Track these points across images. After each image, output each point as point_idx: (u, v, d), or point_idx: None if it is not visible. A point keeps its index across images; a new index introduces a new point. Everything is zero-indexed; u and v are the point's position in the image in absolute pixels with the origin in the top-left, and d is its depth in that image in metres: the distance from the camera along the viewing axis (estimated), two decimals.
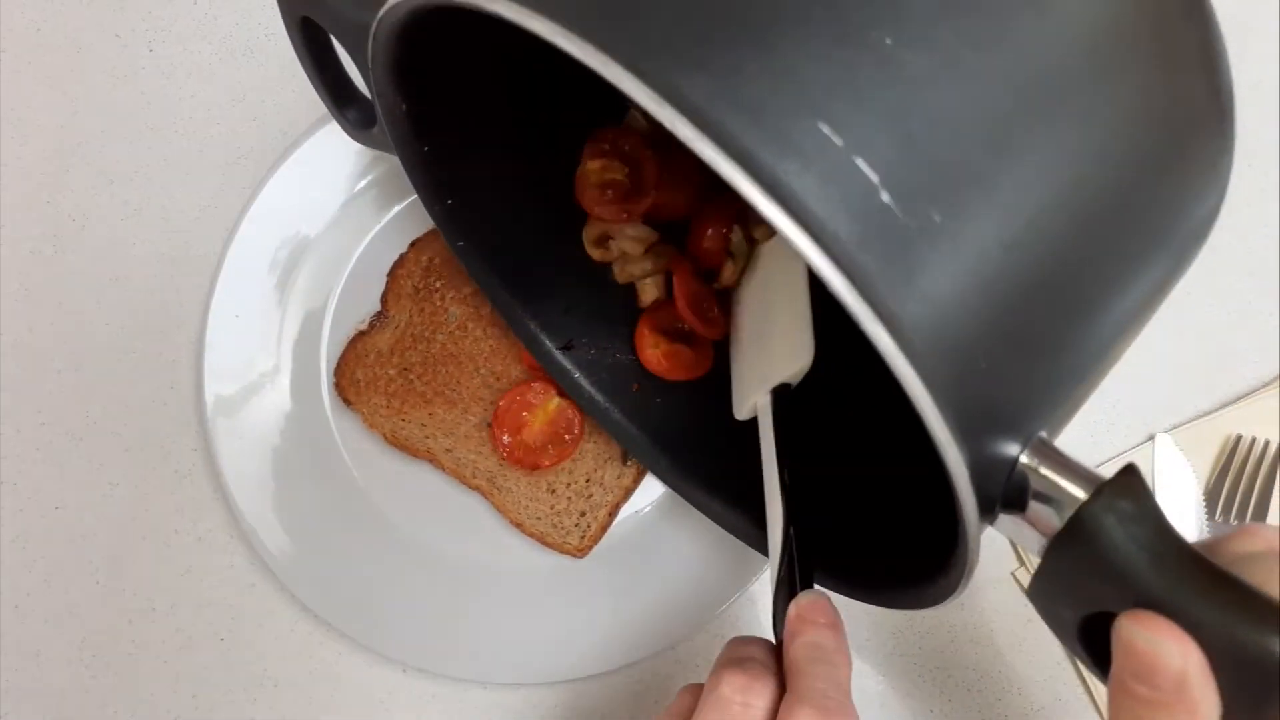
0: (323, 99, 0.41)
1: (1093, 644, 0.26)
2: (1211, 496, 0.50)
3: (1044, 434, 0.26)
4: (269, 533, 0.46)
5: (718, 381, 0.45)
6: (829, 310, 0.24)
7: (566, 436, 0.48)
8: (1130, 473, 0.25)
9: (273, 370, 0.49)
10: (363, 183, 0.51)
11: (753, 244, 0.46)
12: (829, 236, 0.22)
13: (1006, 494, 0.26)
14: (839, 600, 0.33)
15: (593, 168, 0.44)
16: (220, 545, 0.48)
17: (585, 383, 0.47)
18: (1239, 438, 0.51)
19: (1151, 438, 0.52)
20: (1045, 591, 0.27)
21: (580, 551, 0.48)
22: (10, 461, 0.49)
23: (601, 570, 0.48)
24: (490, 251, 0.44)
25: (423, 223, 0.51)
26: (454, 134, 0.38)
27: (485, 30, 0.26)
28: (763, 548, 0.41)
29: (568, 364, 0.47)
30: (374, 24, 0.30)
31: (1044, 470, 0.26)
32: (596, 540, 0.48)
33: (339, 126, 0.42)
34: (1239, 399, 0.52)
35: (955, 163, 0.23)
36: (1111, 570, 0.24)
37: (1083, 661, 0.27)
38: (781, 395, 0.38)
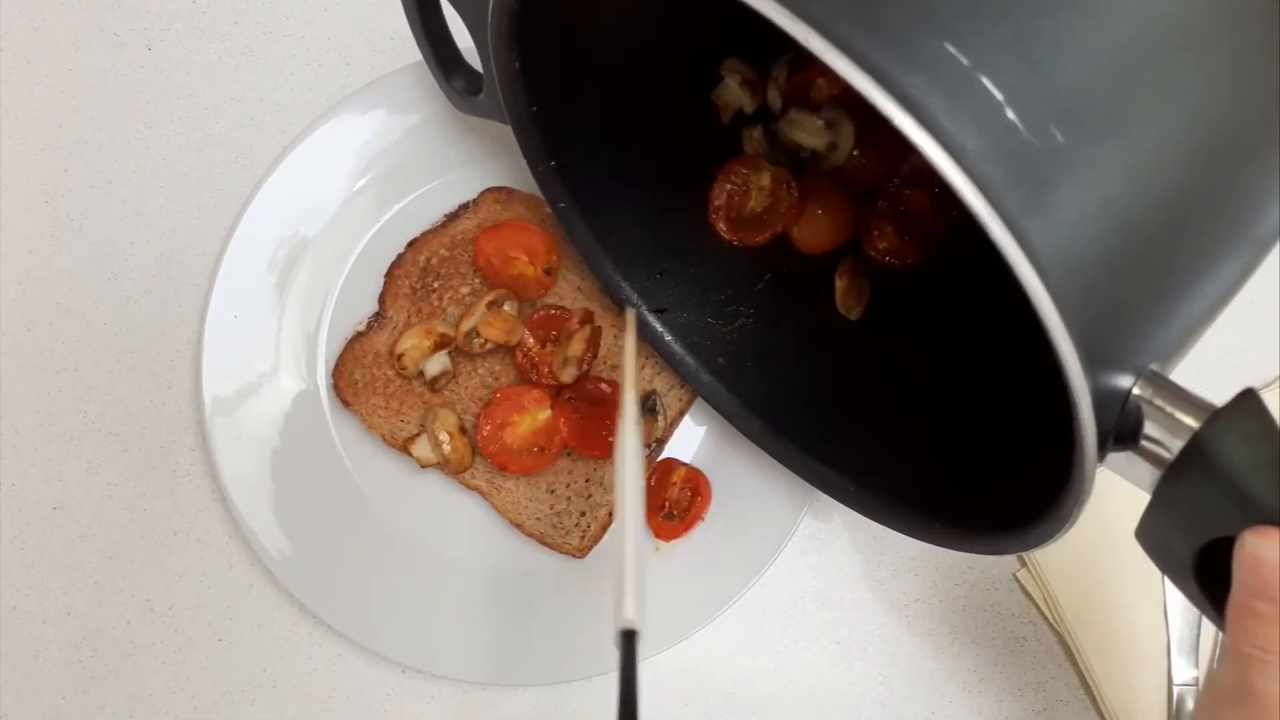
0: (430, 67, 0.42)
1: (1207, 579, 0.27)
2: None
3: (1155, 367, 0.27)
4: (268, 534, 0.46)
5: (822, 341, 0.47)
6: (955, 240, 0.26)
7: (539, 449, 0.48)
8: (1248, 396, 0.25)
9: (271, 370, 0.49)
10: (362, 182, 0.51)
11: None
12: (956, 147, 0.22)
13: (1119, 427, 0.26)
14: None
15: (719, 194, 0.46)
16: (219, 546, 0.48)
17: (677, 346, 0.47)
18: None
19: None
20: (1157, 527, 0.27)
21: (581, 552, 0.48)
22: (9, 462, 0.49)
23: (602, 571, 0.48)
24: (590, 213, 0.45)
25: (420, 223, 0.50)
26: (563, 93, 0.39)
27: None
28: (860, 505, 0.42)
29: (660, 327, 0.47)
30: None
31: (1158, 401, 0.26)
32: (597, 540, 0.48)
33: (445, 95, 0.43)
34: None
35: (1079, 87, 0.24)
36: (1233, 490, 0.24)
37: (1195, 601, 0.27)
38: (630, 637, 0.36)
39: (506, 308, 0.48)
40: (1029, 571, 0.50)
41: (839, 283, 0.48)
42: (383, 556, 0.47)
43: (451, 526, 0.48)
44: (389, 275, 0.50)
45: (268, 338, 0.49)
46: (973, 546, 0.36)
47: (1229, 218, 0.27)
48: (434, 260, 0.50)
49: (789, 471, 0.49)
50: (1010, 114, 0.23)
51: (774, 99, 0.47)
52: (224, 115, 0.53)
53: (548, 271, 0.49)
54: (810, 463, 0.44)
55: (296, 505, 0.47)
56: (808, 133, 0.45)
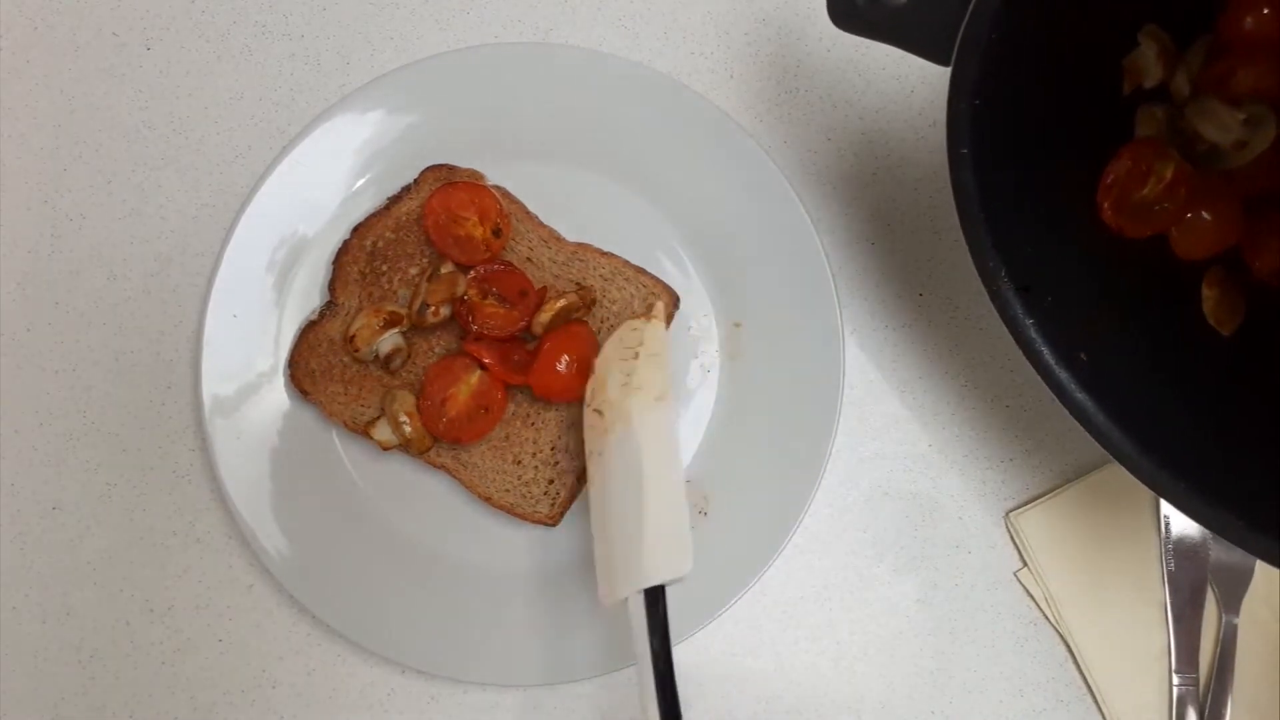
0: None
1: None
2: None
3: None
4: (267, 534, 0.46)
5: (1189, 354, 0.44)
6: None
7: (484, 410, 0.48)
8: None
9: (271, 370, 0.48)
10: (361, 181, 0.51)
11: None
12: None
13: None
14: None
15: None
16: (218, 546, 0.48)
17: (1035, 332, 0.42)
18: None
19: None
20: None
21: (552, 519, 0.48)
22: (8, 462, 0.49)
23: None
24: (982, 165, 0.41)
25: (364, 208, 0.50)
26: (1019, 34, 0.37)
27: None
28: (1230, 534, 0.39)
29: (1020, 307, 0.42)
30: None
31: None
32: (567, 507, 0.48)
33: (828, 7, 0.41)
34: None
35: None
36: None
37: None
38: (658, 594, 0.37)
39: (445, 269, 0.48)
40: (1029, 571, 0.50)
41: (1207, 293, 0.45)
42: (383, 557, 0.47)
43: (453, 527, 0.48)
44: (337, 262, 0.49)
45: (268, 337, 0.49)
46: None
47: None
48: (380, 243, 0.50)
49: (788, 473, 0.49)
50: None
51: (1180, 84, 0.44)
52: (224, 115, 0.53)
53: (496, 233, 0.49)
54: (1182, 488, 0.40)
55: (296, 505, 0.47)
56: (1219, 125, 0.42)
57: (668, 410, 0.42)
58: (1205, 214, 0.44)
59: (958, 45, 0.38)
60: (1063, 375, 0.42)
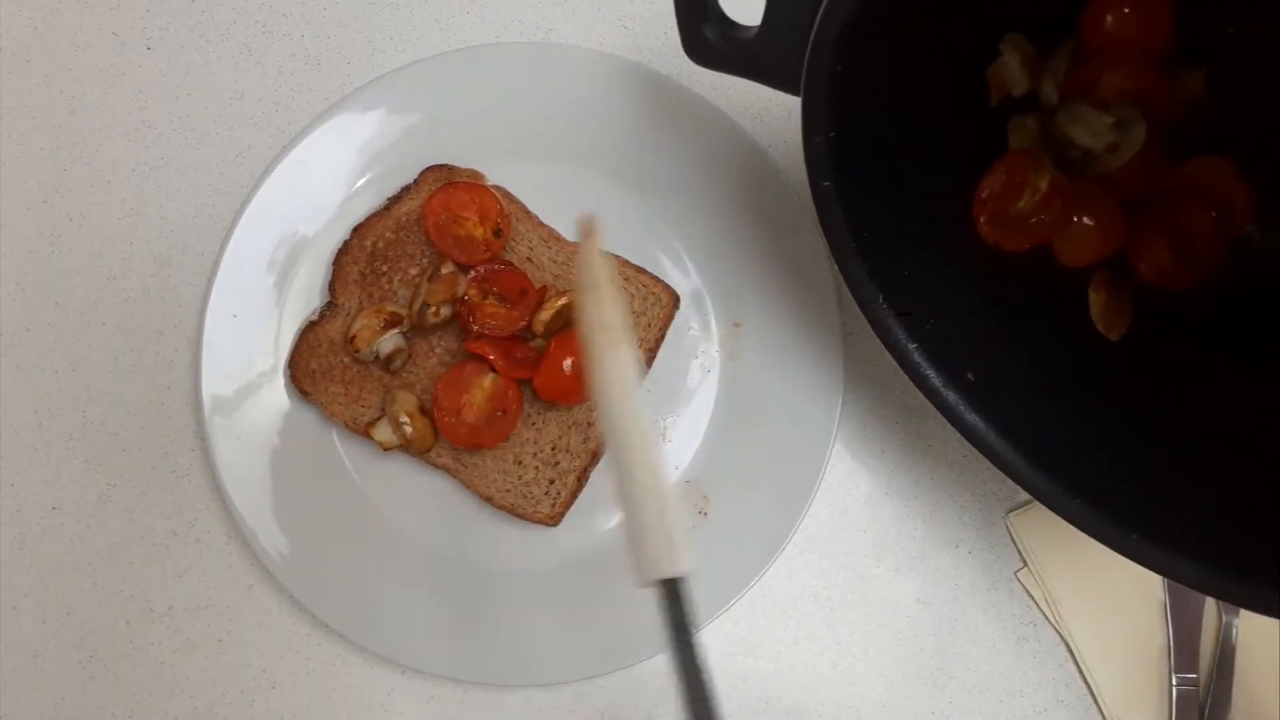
0: (682, 7, 0.39)
1: None
2: None
3: None
4: (267, 534, 0.46)
5: (1079, 363, 0.43)
6: None
7: (503, 412, 0.48)
8: None
9: (271, 370, 0.48)
10: (361, 181, 0.51)
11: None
12: None
13: None
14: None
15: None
16: (218, 546, 0.48)
17: (920, 356, 0.42)
18: None
19: None
20: None
21: (553, 519, 0.48)
22: (8, 462, 0.49)
23: (603, 571, 0.48)
24: (848, 194, 0.40)
25: (364, 208, 0.50)
26: (869, 60, 0.36)
27: None
28: (1139, 556, 0.38)
29: (903, 332, 0.42)
30: None
31: None
32: (567, 507, 0.48)
33: (685, 40, 0.39)
34: None
35: None
36: None
37: None
38: (673, 585, 0.33)
39: (445, 269, 0.48)
40: (1029, 571, 0.50)
41: (1094, 297, 0.44)
42: (383, 557, 0.47)
43: (452, 527, 0.48)
44: (336, 263, 0.49)
45: (267, 337, 0.49)
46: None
47: None
48: (380, 244, 0.50)
49: (788, 473, 0.49)
50: None
51: (1048, 92, 0.43)
52: (223, 115, 0.53)
53: (496, 233, 0.49)
54: (1076, 504, 0.39)
55: (296, 505, 0.47)
56: (1090, 130, 0.41)
57: (629, 359, 0.34)
58: (1086, 220, 0.43)
59: (803, 79, 0.36)
60: (951, 397, 0.41)
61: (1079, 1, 0.41)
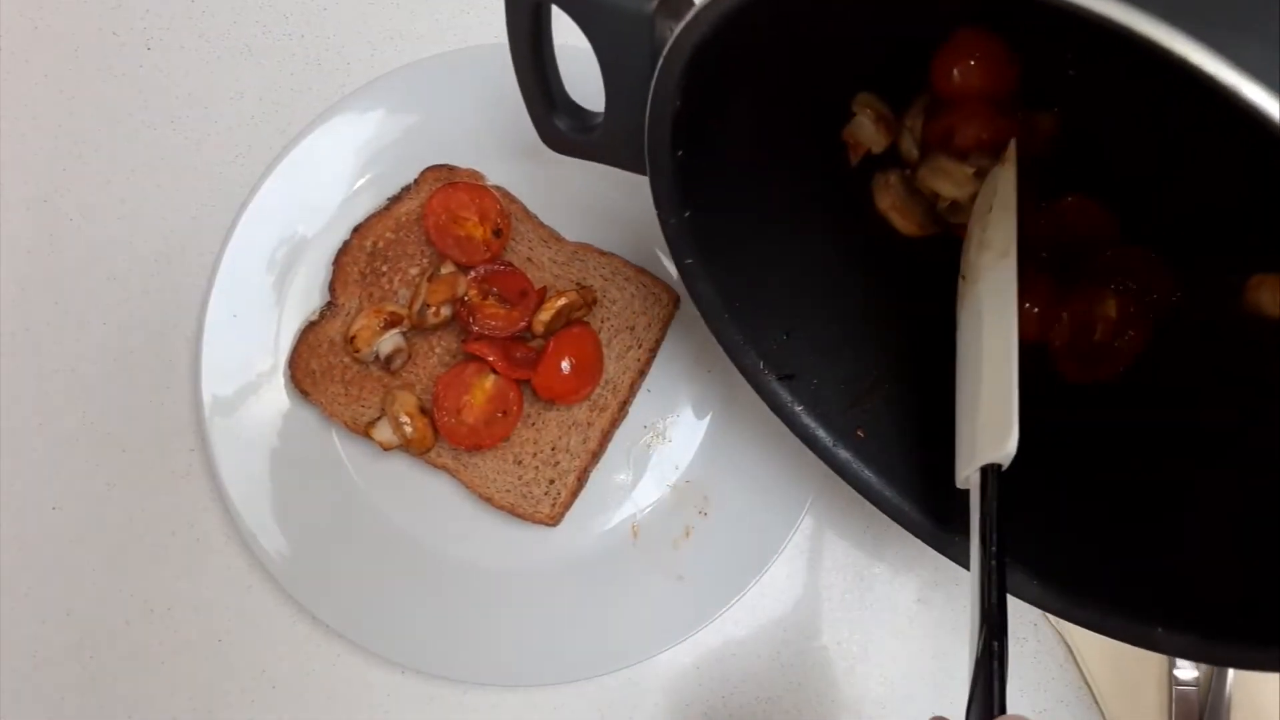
0: (532, 100, 0.39)
1: None
2: None
3: None
4: (267, 534, 0.46)
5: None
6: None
7: (503, 413, 0.48)
8: None
9: (270, 370, 0.48)
10: (361, 181, 0.51)
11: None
12: None
13: None
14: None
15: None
16: (218, 546, 0.48)
17: (807, 417, 0.42)
18: None
19: None
20: None
21: (552, 520, 0.48)
22: (8, 462, 0.49)
23: (603, 571, 0.48)
24: (716, 270, 0.40)
25: (364, 208, 0.50)
26: (711, 139, 0.36)
27: (783, 23, 0.23)
28: (1051, 604, 0.38)
29: (787, 395, 0.42)
30: (691, 13, 0.28)
31: None
32: (567, 507, 0.48)
33: (539, 130, 0.39)
34: None
35: None
36: None
37: None
38: (994, 473, 0.34)
39: (445, 269, 0.48)
40: None
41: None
42: (383, 557, 0.47)
43: (453, 527, 0.48)
44: (337, 263, 0.49)
45: (267, 337, 0.49)
46: (1201, 655, 0.32)
47: None
48: (380, 244, 0.50)
49: (788, 473, 0.49)
50: None
51: (908, 147, 0.43)
52: (223, 115, 0.53)
53: (496, 233, 0.49)
54: (959, 545, 0.39)
55: (296, 505, 0.47)
56: (953, 182, 0.41)
57: (1010, 267, 0.37)
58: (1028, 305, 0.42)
59: (647, 166, 0.36)
60: (843, 455, 0.41)
61: (925, 56, 0.41)
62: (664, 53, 0.30)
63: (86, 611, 0.48)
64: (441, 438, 0.48)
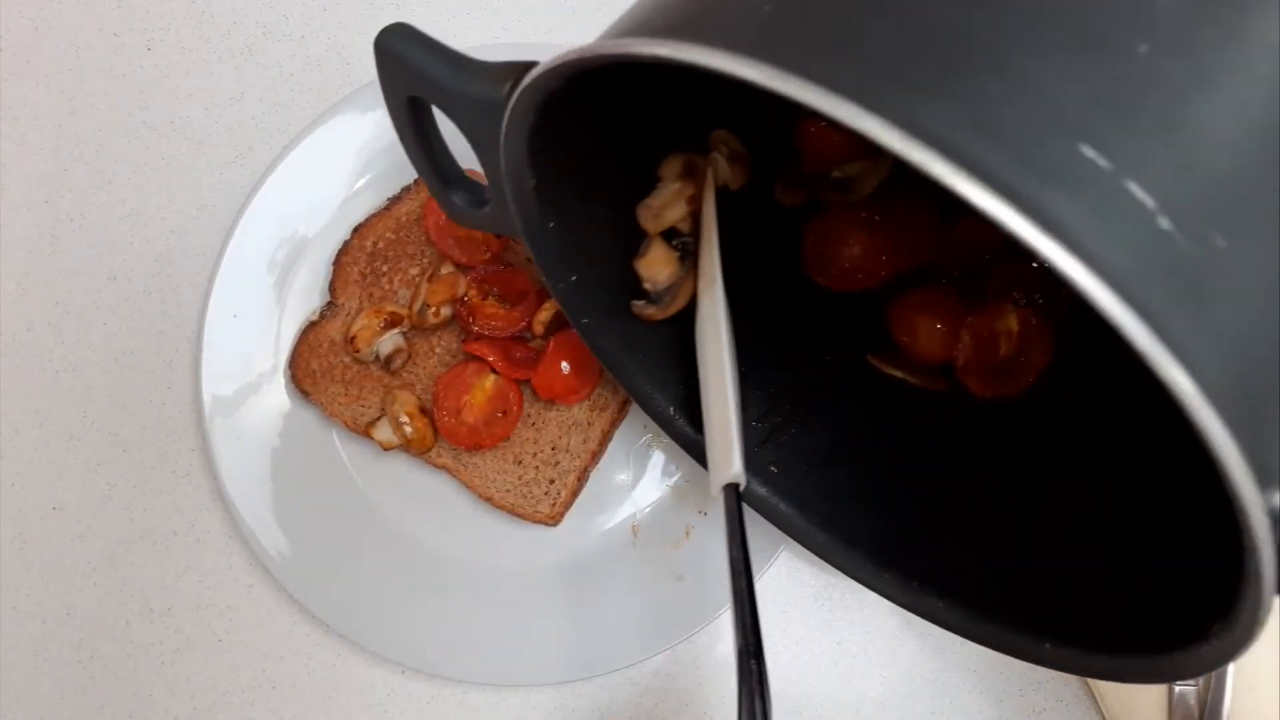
0: (428, 181, 0.40)
1: None
2: None
3: None
4: (267, 534, 0.46)
5: (877, 445, 0.43)
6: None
7: (503, 413, 0.48)
8: None
9: (271, 370, 0.48)
10: (361, 181, 0.51)
11: None
12: (1110, 271, 0.19)
13: None
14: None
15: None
16: (218, 546, 0.48)
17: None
18: None
19: None
20: None
21: (553, 519, 0.48)
22: (8, 462, 0.49)
23: (602, 571, 0.48)
24: (614, 326, 0.41)
25: (364, 208, 0.50)
26: (578, 206, 0.37)
27: (620, 94, 0.24)
28: (957, 625, 0.38)
29: (699, 436, 0.43)
30: (513, 96, 0.28)
31: None
32: (567, 507, 0.48)
33: (442, 208, 0.40)
34: None
35: (1234, 179, 0.21)
36: None
37: None
38: (733, 492, 0.36)
39: (445, 269, 0.48)
40: None
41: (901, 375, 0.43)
42: (383, 557, 0.47)
43: (453, 527, 0.48)
44: (337, 263, 0.50)
45: (267, 337, 0.49)
46: (1097, 672, 0.31)
47: None
48: (380, 244, 0.50)
49: None
50: (1164, 223, 0.20)
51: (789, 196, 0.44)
52: (224, 115, 0.53)
53: (496, 234, 0.49)
54: (890, 578, 0.40)
55: (296, 505, 0.47)
56: (676, 209, 0.41)
57: (715, 297, 0.39)
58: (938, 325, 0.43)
59: (523, 239, 0.37)
60: (762, 491, 0.42)
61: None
62: (501, 137, 0.31)
63: (86, 611, 0.48)
64: (441, 438, 0.48)
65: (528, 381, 0.48)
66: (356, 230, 0.50)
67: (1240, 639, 0.25)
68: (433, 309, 0.47)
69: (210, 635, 0.48)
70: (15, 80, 0.53)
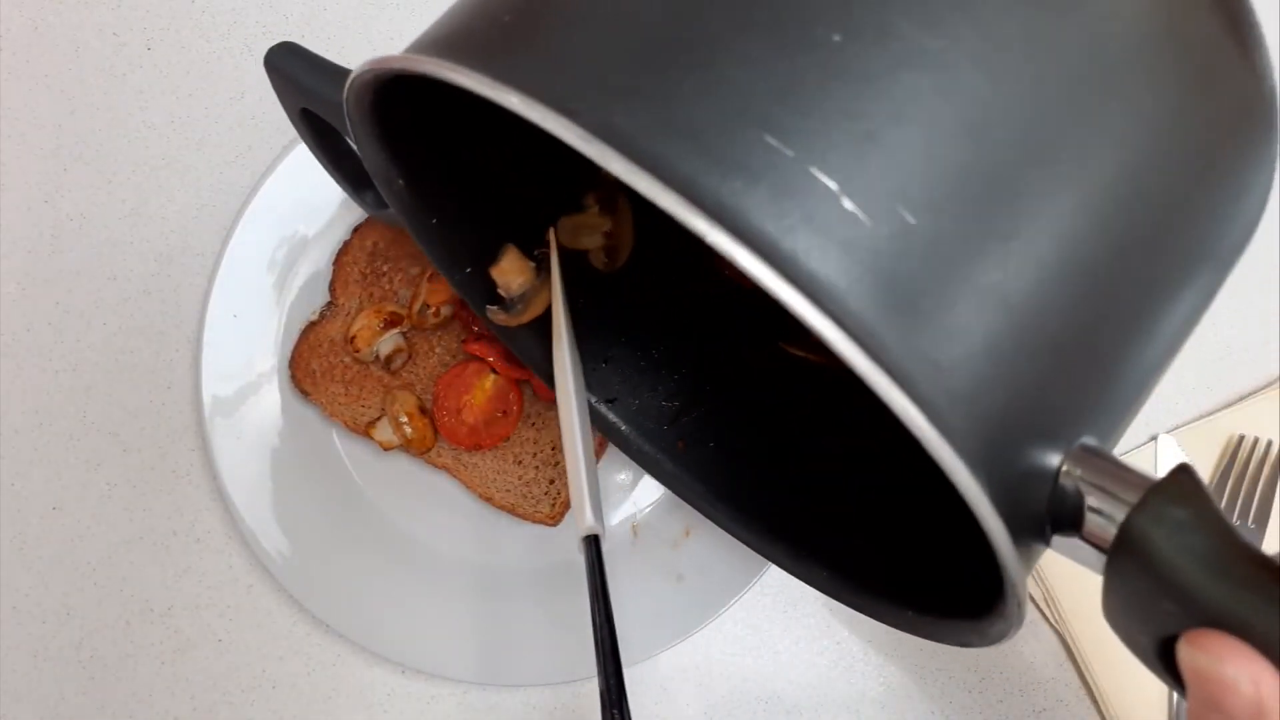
0: (339, 184, 0.41)
1: (1174, 669, 0.23)
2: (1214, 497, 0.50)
3: (1091, 440, 0.24)
4: (267, 534, 0.46)
5: (778, 422, 0.44)
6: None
7: (503, 413, 0.48)
8: (1183, 473, 0.22)
9: (271, 370, 0.48)
10: None
11: None
12: (783, 256, 0.20)
13: (1054, 509, 0.24)
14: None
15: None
16: (218, 546, 0.48)
17: (633, 435, 0.45)
18: (1241, 438, 0.51)
19: (1154, 438, 0.52)
20: (1114, 612, 0.24)
21: (553, 520, 0.48)
22: (8, 462, 0.49)
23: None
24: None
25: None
26: (455, 201, 0.37)
27: (452, 94, 0.25)
28: (832, 590, 0.39)
29: (613, 417, 0.45)
30: (342, 102, 0.30)
31: (1091, 479, 0.23)
32: (568, 507, 0.48)
33: (360, 206, 0.42)
34: (1240, 399, 0.52)
35: (915, 157, 0.21)
36: (1167, 586, 0.21)
37: (1172, 687, 0.23)
38: (594, 543, 0.37)
39: None
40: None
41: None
42: (383, 556, 0.47)
43: (452, 527, 0.48)
44: (337, 262, 0.50)
45: (267, 337, 0.49)
46: (941, 637, 0.32)
47: (1164, 259, 0.24)
48: (381, 243, 0.50)
49: None
50: (847, 204, 0.20)
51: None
52: (224, 115, 0.53)
53: None
54: (781, 549, 0.41)
55: (296, 505, 0.47)
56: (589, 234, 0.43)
57: (564, 355, 0.40)
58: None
59: (414, 235, 0.38)
60: (670, 468, 0.44)
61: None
62: (356, 142, 0.32)
63: (86, 611, 0.48)
64: (441, 438, 0.48)
65: (528, 381, 0.48)
66: (356, 230, 0.50)
67: (1008, 613, 0.26)
68: (433, 309, 0.47)
69: (210, 635, 0.48)
70: (15, 80, 0.53)
